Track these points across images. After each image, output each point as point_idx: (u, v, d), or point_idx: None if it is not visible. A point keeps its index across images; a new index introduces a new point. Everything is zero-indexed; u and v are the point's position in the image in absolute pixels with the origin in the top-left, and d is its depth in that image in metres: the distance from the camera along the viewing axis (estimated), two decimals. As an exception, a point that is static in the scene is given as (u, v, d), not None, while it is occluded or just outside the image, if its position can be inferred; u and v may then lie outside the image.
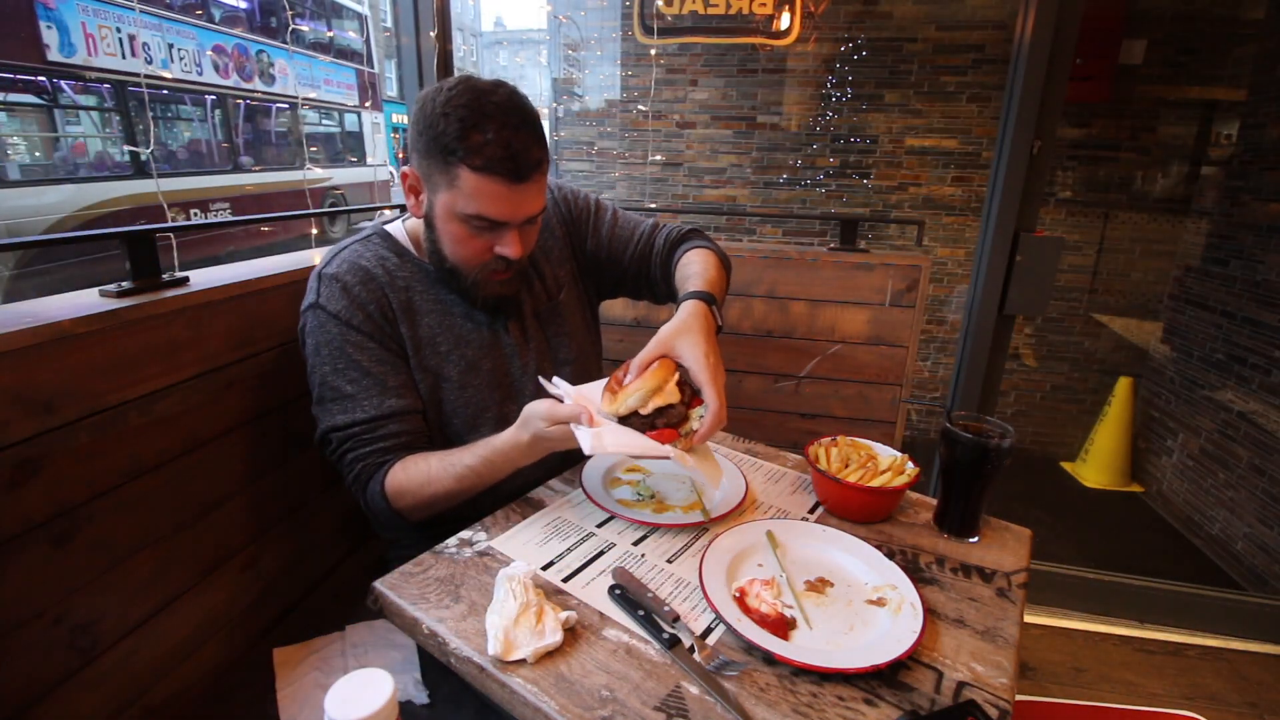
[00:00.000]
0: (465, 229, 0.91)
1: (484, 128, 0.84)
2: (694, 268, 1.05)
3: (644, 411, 0.80)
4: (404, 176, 0.95)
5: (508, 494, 0.92)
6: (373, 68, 10.21)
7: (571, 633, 0.66)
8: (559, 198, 1.17)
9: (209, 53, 7.14)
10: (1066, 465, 3.76)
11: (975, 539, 0.87)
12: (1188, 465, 3.20)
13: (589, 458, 0.89)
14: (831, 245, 1.73)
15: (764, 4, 3.77)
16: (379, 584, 0.73)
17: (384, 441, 0.92)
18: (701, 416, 0.82)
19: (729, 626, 0.66)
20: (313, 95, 9.02)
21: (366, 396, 0.93)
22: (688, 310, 0.91)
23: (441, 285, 1.01)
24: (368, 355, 0.94)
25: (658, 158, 4.32)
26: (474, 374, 1.01)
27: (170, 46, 6.72)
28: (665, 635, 0.66)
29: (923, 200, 3.99)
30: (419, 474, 0.90)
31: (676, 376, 0.83)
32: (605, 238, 1.17)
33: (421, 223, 0.97)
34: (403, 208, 1.46)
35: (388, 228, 1.04)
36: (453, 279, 0.98)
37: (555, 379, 0.92)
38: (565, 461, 0.97)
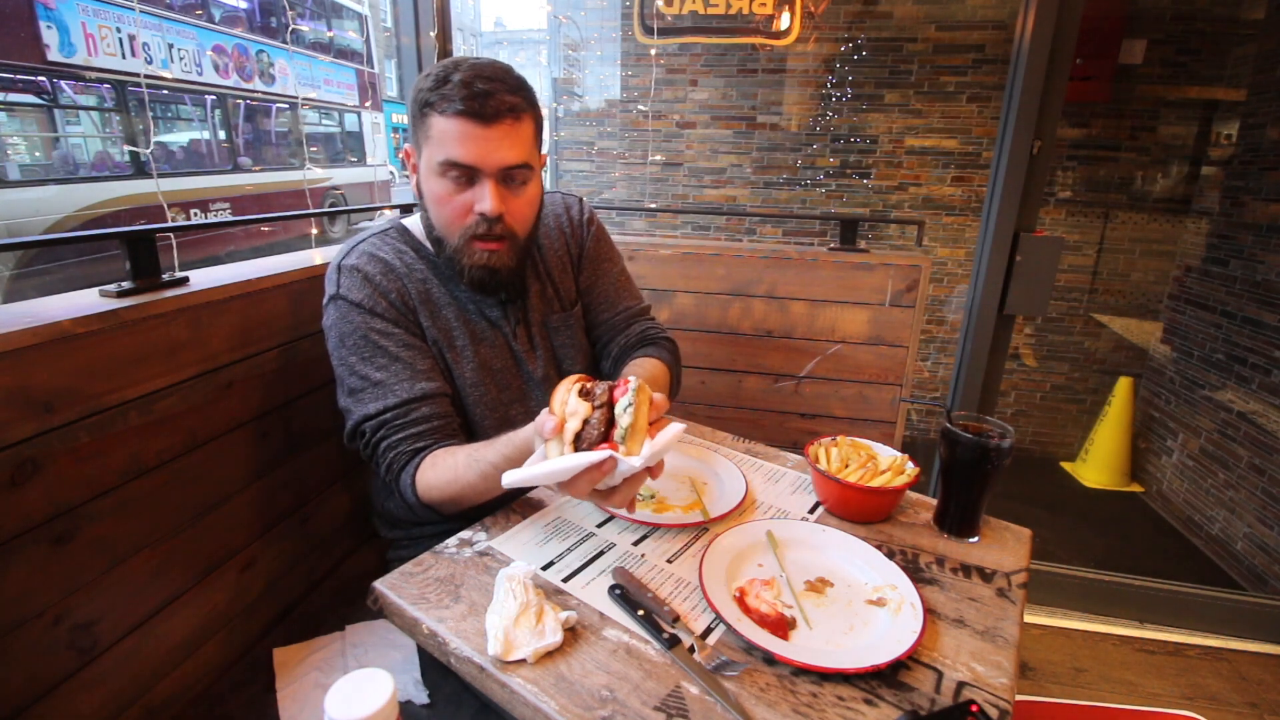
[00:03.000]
0: (443, 185, 0.90)
1: (453, 76, 0.86)
2: (638, 370, 1.04)
3: (570, 451, 0.71)
4: (405, 155, 0.97)
5: (508, 494, 0.92)
6: (373, 68, 10.21)
7: (571, 633, 0.66)
8: (585, 220, 1.16)
9: (209, 53, 7.14)
10: (1066, 465, 3.76)
11: (975, 539, 0.87)
12: (1187, 465, 3.20)
13: None
14: (831, 245, 1.73)
15: (764, 4, 3.77)
16: (379, 584, 0.73)
17: (416, 427, 0.91)
18: (629, 407, 0.71)
19: (729, 626, 0.66)
20: (313, 95, 9.03)
21: (397, 381, 0.92)
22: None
23: (455, 282, 1.00)
24: (394, 341, 0.94)
25: (658, 158, 4.32)
26: (486, 372, 1.01)
27: (170, 46, 6.73)
28: (665, 635, 0.66)
29: (923, 200, 3.99)
30: (446, 470, 0.89)
31: (578, 388, 0.74)
32: (598, 286, 1.16)
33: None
34: (403, 207, 1.48)
35: (404, 222, 1.04)
36: (440, 249, 0.97)
37: None
38: None
